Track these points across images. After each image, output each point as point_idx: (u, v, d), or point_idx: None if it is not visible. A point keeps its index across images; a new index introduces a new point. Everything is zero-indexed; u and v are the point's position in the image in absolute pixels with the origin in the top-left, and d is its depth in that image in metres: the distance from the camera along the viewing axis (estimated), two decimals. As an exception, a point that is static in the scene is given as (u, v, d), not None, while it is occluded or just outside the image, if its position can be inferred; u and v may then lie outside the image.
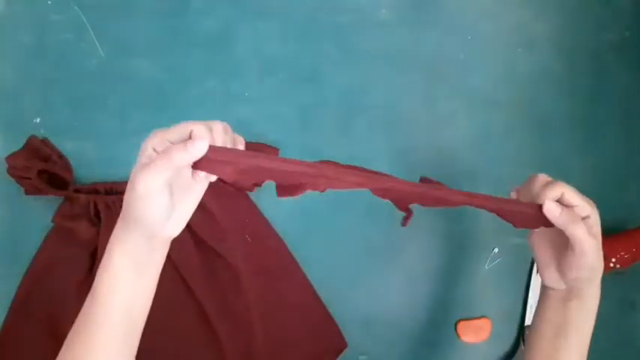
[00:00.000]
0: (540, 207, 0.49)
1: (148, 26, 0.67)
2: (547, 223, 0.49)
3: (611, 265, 0.67)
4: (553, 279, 0.52)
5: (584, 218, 0.48)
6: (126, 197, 0.42)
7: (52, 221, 0.61)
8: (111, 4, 0.67)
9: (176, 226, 0.46)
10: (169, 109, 0.66)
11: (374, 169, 0.68)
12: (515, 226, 0.51)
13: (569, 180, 0.71)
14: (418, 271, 0.67)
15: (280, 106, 0.67)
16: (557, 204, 0.48)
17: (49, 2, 0.66)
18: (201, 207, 0.62)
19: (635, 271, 0.70)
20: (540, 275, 0.53)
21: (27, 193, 0.60)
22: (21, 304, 0.61)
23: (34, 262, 0.62)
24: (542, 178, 0.51)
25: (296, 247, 0.65)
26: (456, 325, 0.67)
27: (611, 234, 0.69)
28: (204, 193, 0.54)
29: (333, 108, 0.68)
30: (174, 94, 0.66)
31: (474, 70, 0.71)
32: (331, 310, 0.65)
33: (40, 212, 0.62)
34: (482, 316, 0.68)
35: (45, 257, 0.62)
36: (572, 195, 0.49)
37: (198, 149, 0.41)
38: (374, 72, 0.69)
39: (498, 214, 0.50)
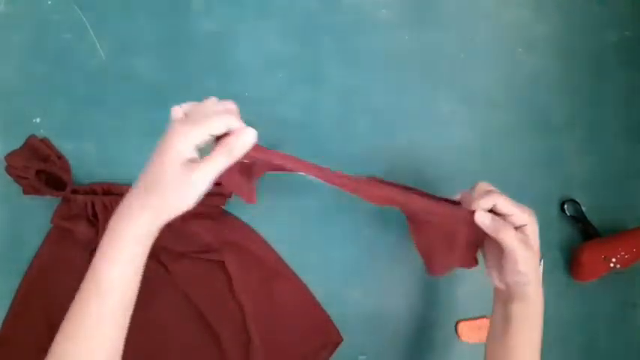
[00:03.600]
0: (473, 213, 0.50)
1: (148, 26, 0.67)
2: (478, 230, 0.51)
3: (612, 265, 0.67)
4: (497, 280, 0.53)
5: (519, 227, 0.50)
6: (179, 195, 0.45)
7: (51, 222, 0.61)
8: (111, 4, 0.67)
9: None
10: (169, 109, 0.66)
11: (374, 169, 0.68)
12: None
13: (569, 180, 0.71)
14: (418, 271, 0.67)
15: (280, 106, 0.67)
16: (488, 213, 0.50)
17: (49, 2, 0.66)
18: (188, 231, 0.62)
19: (636, 271, 0.69)
20: (488, 275, 0.55)
21: (25, 192, 0.60)
22: (21, 304, 0.61)
23: (34, 262, 0.62)
24: (482, 186, 0.53)
25: (296, 249, 0.65)
26: (455, 325, 0.67)
27: (611, 234, 0.69)
28: (189, 219, 0.58)
29: (333, 108, 0.68)
30: (174, 94, 0.66)
31: (474, 70, 0.71)
32: (331, 311, 0.65)
33: (40, 212, 0.62)
34: (482, 317, 0.68)
35: (45, 258, 0.62)
36: (505, 204, 0.50)
37: (250, 144, 0.46)
38: (374, 72, 0.69)
39: (428, 212, 0.52)
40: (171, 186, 0.44)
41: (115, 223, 0.45)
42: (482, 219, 0.50)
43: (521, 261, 0.49)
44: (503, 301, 0.53)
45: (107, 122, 0.65)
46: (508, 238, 0.49)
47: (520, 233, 0.50)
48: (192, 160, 0.44)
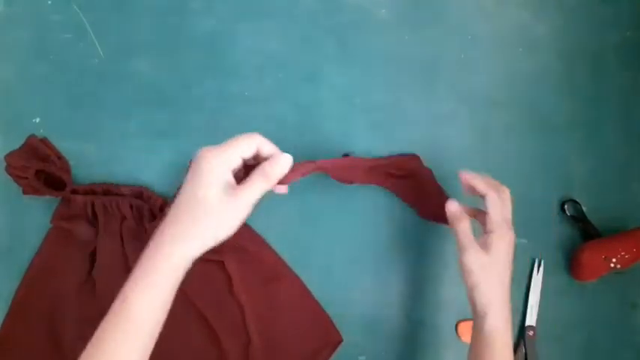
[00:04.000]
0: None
1: (147, 26, 0.67)
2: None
3: (612, 265, 0.66)
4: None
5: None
6: (222, 222, 0.43)
7: (51, 222, 0.61)
8: (111, 4, 0.67)
9: None
10: (169, 109, 0.66)
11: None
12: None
13: (569, 180, 0.71)
14: (418, 271, 0.67)
15: (280, 106, 0.67)
16: (457, 204, 0.56)
17: (49, 2, 0.66)
18: None
19: (636, 272, 0.69)
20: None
21: (24, 192, 0.61)
22: (20, 305, 0.61)
23: (34, 262, 0.62)
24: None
25: (296, 249, 0.65)
26: (456, 325, 0.67)
27: (611, 234, 0.69)
28: None
29: (333, 108, 0.68)
30: (174, 94, 0.66)
31: (474, 70, 0.71)
32: (331, 311, 0.65)
33: (40, 212, 0.62)
34: (482, 317, 0.68)
35: (44, 258, 0.62)
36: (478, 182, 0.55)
37: (286, 169, 0.46)
38: (374, 72, 0.69)
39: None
40: (213, 213, 0.42)
41: (147, 252, 0.43)
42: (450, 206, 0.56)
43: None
44: (475, 322, 0.54)
45: (107, 122, 0.65)
46: (480, 184, 0.55)
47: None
48: (231, 186, 0.42)
